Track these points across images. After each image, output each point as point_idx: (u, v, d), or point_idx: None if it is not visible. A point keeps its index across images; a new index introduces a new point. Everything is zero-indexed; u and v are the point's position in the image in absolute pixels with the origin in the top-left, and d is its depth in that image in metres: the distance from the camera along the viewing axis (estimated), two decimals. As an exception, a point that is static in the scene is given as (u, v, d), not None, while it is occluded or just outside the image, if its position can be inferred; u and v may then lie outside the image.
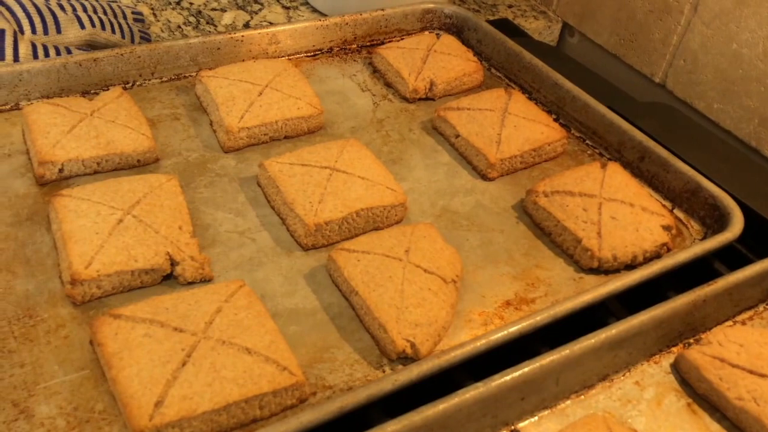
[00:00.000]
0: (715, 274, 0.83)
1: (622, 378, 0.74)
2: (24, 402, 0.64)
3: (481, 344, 0.69)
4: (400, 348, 0.70)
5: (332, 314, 0.76)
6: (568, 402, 0.71)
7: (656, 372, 0.75)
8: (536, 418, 0.69)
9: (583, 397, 0.72)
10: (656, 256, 0.86)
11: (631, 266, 0.85)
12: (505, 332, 0.70)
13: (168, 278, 0.77)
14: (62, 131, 0.86)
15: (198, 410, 0.60)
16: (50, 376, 0.67)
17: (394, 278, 0.75)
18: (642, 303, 0.76)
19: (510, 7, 1.58)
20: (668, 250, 0.87)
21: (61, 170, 0.86)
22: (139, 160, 0.90)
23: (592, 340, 0.69)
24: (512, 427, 0.68)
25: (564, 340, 0.71)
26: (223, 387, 0.62)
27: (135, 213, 0.78)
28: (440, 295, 0.75)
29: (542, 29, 1.55)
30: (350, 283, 0.75)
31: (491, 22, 1.36)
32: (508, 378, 0.64)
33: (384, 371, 0.71)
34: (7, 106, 0.97)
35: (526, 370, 0.65)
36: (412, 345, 0.70)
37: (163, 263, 0.75)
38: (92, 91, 1.02)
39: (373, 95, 1.13)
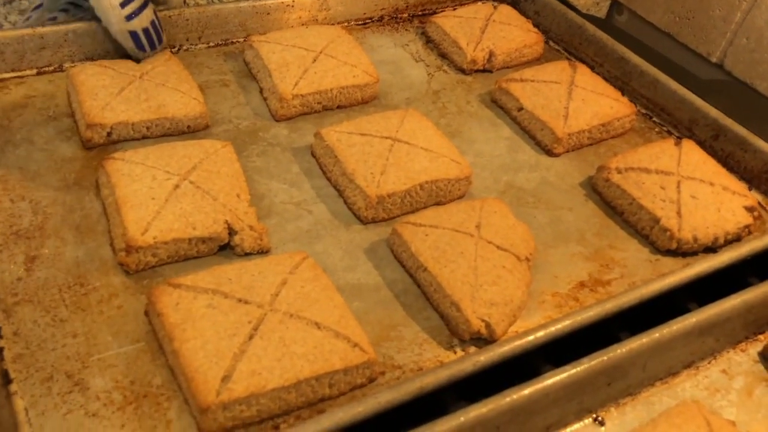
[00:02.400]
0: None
1: (707, 366, 0.69)
2: (78, 374, 0.60)
3: (564, 326, 0.64)
4: (475, 328, 0.65)
5: (397, 291, 0.72)
6: (653, 389, 0.66)
7: (744, 360, 0.70)
8: (620, 405, 0.64)
9: (668, 384, 0.67)
10: (737, 239, 0.81)
11: (710, 249, 0.80)
12: (591, 313, 0.65)
13: (224, 248, 0.73)
14: (111, 93, 0.82)
15: (267, 386, 0.56)
16: (104, 348, 0.63)
17: (466, 254, 0.70)
18: (706, 290, 0.72)
19: None
20: (749, 232, 0.82)
21: (109, 134, 0.82)
22: (189, 126, 0.86)
23: (682, 325, 0.65)
24: (595, 415, 0.63)
25: (635, 325, 0.67)
26: (293, 363, 0.57)
27: (192, 179, 0.73)
28: (515, 273, 0.70)
29: (590, 6, 1.50)
30: (418, 259, 0.71)
31: None
32: (596, 362, 0.60)
33: (455, 352, 0.66)
34: (51, 68, 0.93)
35: (615, 354, 0.61)
36: (487, 325, 0.65)
37: (222, 232, 0.71)
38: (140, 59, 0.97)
39: (427, 66, 1.08)
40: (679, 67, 1.26)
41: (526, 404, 0.57)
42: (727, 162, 0.93)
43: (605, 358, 0.60)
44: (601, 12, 1.51)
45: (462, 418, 0.54)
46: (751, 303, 0.69)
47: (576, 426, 0.63)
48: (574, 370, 0.59)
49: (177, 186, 0.72)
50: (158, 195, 0.71)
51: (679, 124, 0.99)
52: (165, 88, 0.84)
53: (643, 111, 1.03)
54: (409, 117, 0.88)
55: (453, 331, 0.67)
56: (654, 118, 1.02)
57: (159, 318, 0.61)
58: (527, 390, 0.57)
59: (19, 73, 0.92)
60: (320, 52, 0.96)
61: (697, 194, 0.81)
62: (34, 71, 0.93)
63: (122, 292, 0.68)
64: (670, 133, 1.00)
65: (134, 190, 0.71)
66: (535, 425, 0.60)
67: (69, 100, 0.86)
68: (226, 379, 0.56)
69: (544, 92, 0.96)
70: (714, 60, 1.27)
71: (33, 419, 0.57)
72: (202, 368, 0.56)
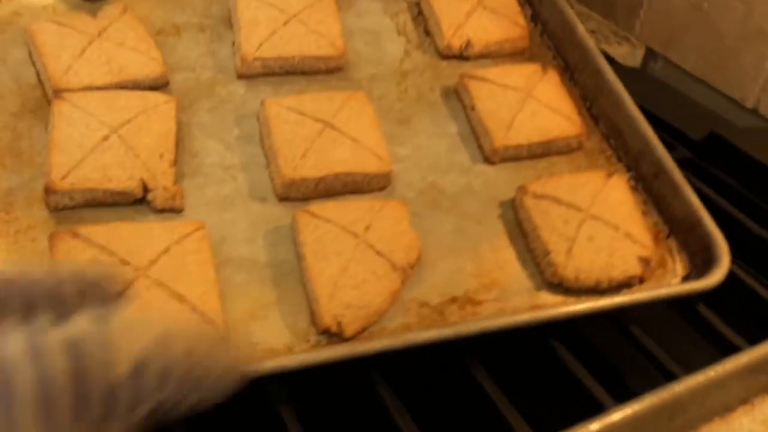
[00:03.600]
0: None
1: (762, 401, 0.75)
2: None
3: (398, 342, 0.71)
4: (327, 324, 0.72)
5: (282, 272, 0.79)
6: (712, 424, 0.73)
7: None
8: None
9: (725, 420, 0.74)
10: (626, 285, 0.84)
11: (595, 290, 0.84)
12: (420, 337, 0.71)
13: (142, 201, 0.81)
14: (73, 54, 0.87)
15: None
16: (10, 274, 0.73)
17: (343, 254, 0.76)
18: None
19: (593, 32, 1.57)
20: (641, 281, 0.85)
21: (75, 85, 0.88)
22: (150, 85, 0.91)
23: (734, 364, 0.71)
24: None
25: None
26: (142, 330, 0.66)
27: (121, 132, 0.81)
28: (383, 280, 0.76)
29: (626, 55, 1.53)
30: (301, 248, 0.77)
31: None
32: (658, 398, 0.67)
33: (308, 341, 0.74)
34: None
35: (675, 390, 0.68)
36: (339, 324, 0.72)
37: (135, 188, 0.78)
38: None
39: (408, 41, 1.09)
40: (716, 115, 1.26)
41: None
42: (659, 203, 0.94)
43: (666, 394, 0.67)
44: (636, 61, 1.53)
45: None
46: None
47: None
48: (639, 407, 0.66)
49: (106, 138, 0.80)
50: (86, 144, 0.79)
51: (629, 152, 0.99)
52: (124, 49, 0.89)
53: (603, 130, 1.03)
54: (352, 102, 0.92)
55: (313, 322, 0.75)
56: (611, 140, 1.02)
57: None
58: (595, 425, 0.64)
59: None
60: (293, 16, 0.99)
61: (595, 236, 0.84)
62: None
63: (40, 226, 0.77)
64: (620, 159, 1.00)
65: (68, 134, 0.79)
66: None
67: (30, 53, 0.90)
68: (83, 331, 0.65)
69: (498, 97, 0.97)
70: (749, 105, 1.25)
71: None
72: (66, 317, 0.66)
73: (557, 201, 0.86)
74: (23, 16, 0.96)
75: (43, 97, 0.88)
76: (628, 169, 0.99)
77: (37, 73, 0.90)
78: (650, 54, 1.50)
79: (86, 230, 0.72)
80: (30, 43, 0.90)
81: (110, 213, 0.79)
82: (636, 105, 1.00)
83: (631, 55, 1.51)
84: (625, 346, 0.83)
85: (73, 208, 0.79)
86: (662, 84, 1.39)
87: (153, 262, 0.71)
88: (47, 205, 0.78)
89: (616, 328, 0.84)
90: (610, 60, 1.43)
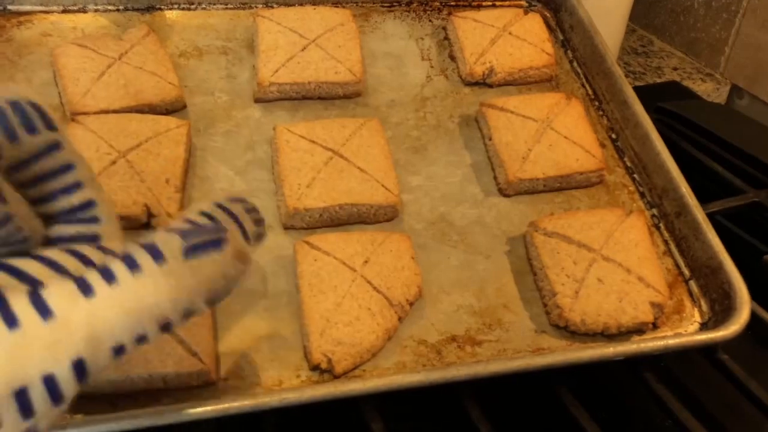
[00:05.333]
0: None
1: None
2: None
3: (383, 384, 0.69)
4: (316, 361, 0.71)
5: (279, 303, 0.78)
6: None
7: None
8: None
9: None
10: (638, 330, 0.81)
11: (603, 334, 0.80)
12: (413, 379, 0.70)
13: (149, 225, 0.82)
14: (92, 78, 0.88)
15: (102, 377, 0.66)
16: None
17: (339, 289, 0.75)
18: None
19: (675, 69, 1.56)
20: (654, 327, 0.81)
21: (93, 104, 0.90)
22: (166, 109, 0.92)
23: None
24: None
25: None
26: (128, 359, 0.67)
27: (129, 157, 0.82)
28: (378, 317, 0.75)
29: (710, 92, 1.52)
30: (299, 281, 0.77)
31: (658, 85, 1.40)
32: None
33: (298, 376, 0.73)
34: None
35: None
36: (329, 360, 0.71)
37: (140, 214, 0.79)
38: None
39: (431, 67, 1.08)
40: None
41: None
42: (680, 244, 0.90)
43: None
44: (721, 97, 1.51)
45: None
46: None
47: None
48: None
49: (114, 162, 0.81)
50: (94, 168, 0.80)
51: (653, 189, 0.95)
52: (142, 72, 0.90)
53: (629, 164, 1.00)
54: (364, 130, 0.91)
55: (305, 356, 0.74)
56: (635, 175, 0.98)
57: (50, 285, 0.72)
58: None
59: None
60: (312, 41, 0.99)
61: (605, 278, 0.80)
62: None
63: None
64: (643, 196, 0.96)
65: (78, 158, 0.81)
66: None
67: (54, 78, 0.92)
68: (71, 357, 0.66)
69: (515, 127, 0.95)
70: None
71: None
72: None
73: (567, 239, 0.83)
74: (52, 37, 0.98)
75: (63, 118, 0.90)
76: (651, 206, 0.95)
77: (59, 94, 0.92)
78: (735, 90, 1.47)
79: (87, 255, 0.73)
80: (53, 64, 0.92)
81: (116, 236, 0.80)
82: (660, 139, 0.96)
83: (715, 92, 1.50)
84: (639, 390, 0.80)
85: (80, 230, 0.80)
86: (750, 120, 1.35)
87: (147, 289, 0.71)
88: (55, 226, 0.79)
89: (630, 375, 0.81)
90: (694, 95, 1.42)
